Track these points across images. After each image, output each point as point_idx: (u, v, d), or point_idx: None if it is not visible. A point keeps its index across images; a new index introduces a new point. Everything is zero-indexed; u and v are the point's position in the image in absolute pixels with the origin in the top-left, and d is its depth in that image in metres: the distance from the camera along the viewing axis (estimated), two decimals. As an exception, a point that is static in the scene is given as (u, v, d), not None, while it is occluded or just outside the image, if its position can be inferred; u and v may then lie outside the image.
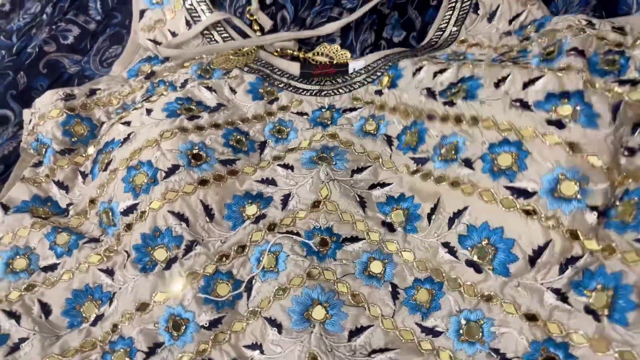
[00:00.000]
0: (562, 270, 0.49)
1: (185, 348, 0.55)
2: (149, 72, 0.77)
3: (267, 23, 0.84)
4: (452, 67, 0.63)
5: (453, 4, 0.77)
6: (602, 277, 0.48)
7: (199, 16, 0.83)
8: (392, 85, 0.69)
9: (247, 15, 0.85)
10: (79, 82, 0.79)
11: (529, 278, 0.49)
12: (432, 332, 0.53)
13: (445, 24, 0.77)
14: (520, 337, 0.48)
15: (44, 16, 0.87)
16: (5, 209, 0.66)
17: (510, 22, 0.72)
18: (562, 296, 0.49)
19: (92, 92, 0.74)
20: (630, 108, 0.50)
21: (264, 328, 0.56)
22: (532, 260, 0.49)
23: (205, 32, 0.82)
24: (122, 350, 0.55)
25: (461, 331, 0.52)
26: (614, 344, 0.45)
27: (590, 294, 0.48)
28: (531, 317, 0.48)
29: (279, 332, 0.55)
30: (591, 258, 0.48)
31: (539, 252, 0.49)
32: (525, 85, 0.54)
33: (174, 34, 0.82)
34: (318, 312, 0.55)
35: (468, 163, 0.56)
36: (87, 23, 0.86)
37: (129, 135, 0.66)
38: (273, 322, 0.56)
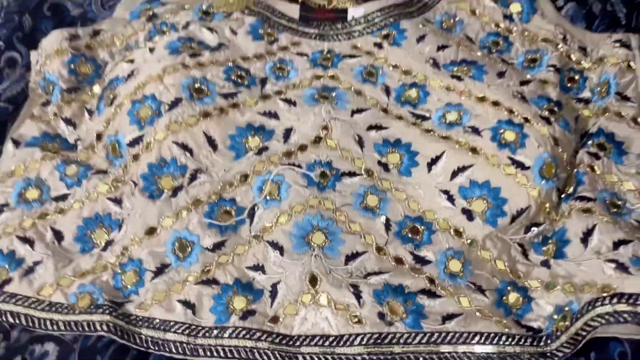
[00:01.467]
0: (527, 231, 0.60)
1: (191, 269, 0.58)
2: (150, 14, 0.78)
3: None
4: (451, 47, 0.72)
5: None
6: (553, 237, 0.60)
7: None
8: (394, 43, 0.74)
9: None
10: (82, 24, 0.80)
11: (505, 232, 0.60)
12: (422, 261, 0.59)
13: None
14: (492, 278, 0.58)
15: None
16: (16, 143, 0.68)
17: None
18: (524, 251, 0.60)
19: (96, 33, 0.75)
20: (581, 122, 0.68)
21: (265, 251, 0.59)
22: (514, 219, 0.59)
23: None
24: (131, 270, 0.58)
25: (446, 263, 0.59)
26: (559, 279, 0.57)
27: (545, 249, 0.60)
28: (501, 265, 0.59)
29: (281, 254, 0.58)
30: (549, 226, 0.60)
31: (520, 213, 0.59)
32: (522, 84, 0.68)
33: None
34: (318, 237, 0.59)
35: (475, 130, 0.63)
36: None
37: (132, 71, 0.68)
38: (275, 245, 0.59)
